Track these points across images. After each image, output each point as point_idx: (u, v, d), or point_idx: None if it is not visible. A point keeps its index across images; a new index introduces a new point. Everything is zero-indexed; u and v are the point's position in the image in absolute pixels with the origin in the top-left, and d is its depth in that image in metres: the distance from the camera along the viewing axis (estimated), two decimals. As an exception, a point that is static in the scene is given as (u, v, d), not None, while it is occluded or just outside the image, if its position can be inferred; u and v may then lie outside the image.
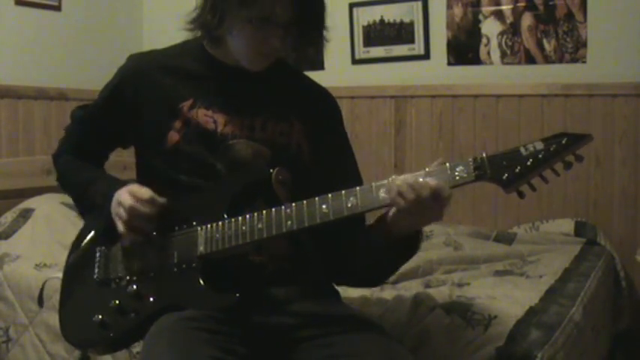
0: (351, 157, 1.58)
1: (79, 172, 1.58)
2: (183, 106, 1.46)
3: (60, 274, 1.60)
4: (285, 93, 1.53)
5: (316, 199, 1.28)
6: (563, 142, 1.19)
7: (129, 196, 1.39)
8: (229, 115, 1.46)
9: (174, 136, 1.45)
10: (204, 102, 1.47)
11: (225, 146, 1.45)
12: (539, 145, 1.20)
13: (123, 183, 1.47)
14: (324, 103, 1.59)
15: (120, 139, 1.61)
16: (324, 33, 1.45)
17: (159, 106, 1.47)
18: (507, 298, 1.81)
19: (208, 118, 1.45)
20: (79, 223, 1.65)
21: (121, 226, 1.40)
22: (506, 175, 1.20)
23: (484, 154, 1.22)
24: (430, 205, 1.23)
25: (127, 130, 1.54)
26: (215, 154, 1.44)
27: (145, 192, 1.38)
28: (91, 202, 1.52)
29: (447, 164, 1.24)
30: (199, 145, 1.44)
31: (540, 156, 1.19)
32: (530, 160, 1.19)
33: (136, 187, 1.40)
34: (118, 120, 1.53)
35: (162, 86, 1.48)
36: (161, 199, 1.39)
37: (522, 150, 1.20)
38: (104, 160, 1.68)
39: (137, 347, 1.89)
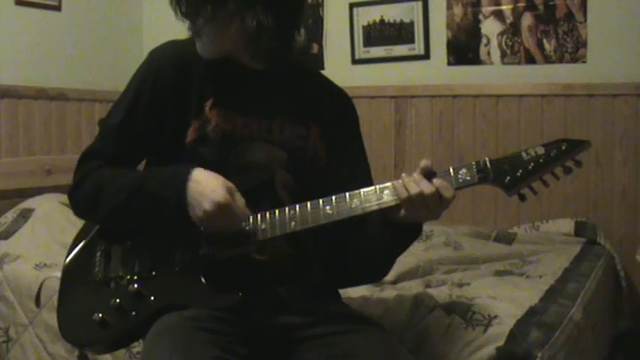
0: (364, 161, 1.58)
1: (120, 176, 1.41)
2: (205, 105, 1.45)
3: (58, 274, 1.60)
4: (303, 95, 1.52)
5: (320, 200, 1.29)
6: (563, 147, 1.23)
7: (233, 213, 1.29)
8: (248, 117, 1.45)
9: (191, 135, 1.44)
10: (224, 102, 1.45)
11: (240, 148, 1.44)
12: (540, 150, 1.24)
13: (185, 164, 1.36)
14: (342, 105, 1.58)
15: (162, 135, 1.45)
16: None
17: (181, 103, 1.45)
18: (507, 298, 1.81)
19: (227, 119, 1.44)
20: (79, 223, 1.64)
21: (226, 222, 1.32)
22: (508, 178, 1.24)
23: (487, 158, 1.25)
24: (433, 203, 1.25)
25: (157, 127, 1.44)
26: (229, 156, 1.44)
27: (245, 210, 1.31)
28: (152, 202, 1.34)
29: (451, 168, 1.27)
30: (215, 146, 1.43)
31: (541, 160, 1.23)
32: (532, 164, 1.23)
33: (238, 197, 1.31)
34: (162, 112, 1.44)
35: (186, 82, 1.46)
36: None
37: (524, 154, 1.24)
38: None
39: (137, 347, 1.90)
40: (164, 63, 1.47)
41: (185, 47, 1.50)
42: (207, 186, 1.30)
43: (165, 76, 1.45)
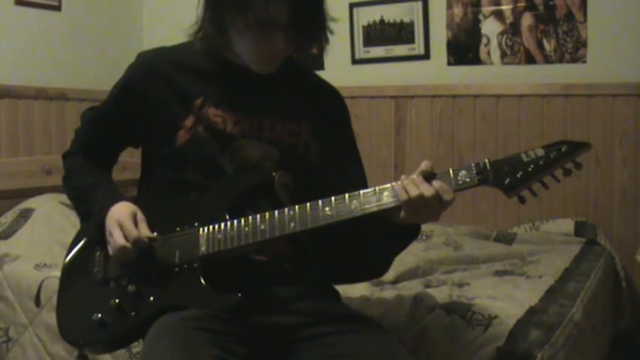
0: (356, 157, 1.58)
1: (82, 174, 1.57)
2: (194, 105, 1.46)
3: (57, 273, 1.60)
4: (294, 92, 1.53)
5: (319, 201, 1.29)
6: (563, 149, 1.22)
7: (121, 233, 1.38)
8: (238, 115, 1.46)
9: (183, 135, 1.45)
10: (214, 101, 1.46)
11: (234, 147, 1.45)
12: (540, 152, 1.23)
13: (120, 196, 1.47)
14: (333, 102, 1.59)
15: (130, 139, 1.59)
16: (326, 30, 1.45)
17: (170, 104, 1.47)
18: (507, 298, 1.81)
19: (218, 117, 1.45)
20: (79, 223, 1.65)
21: (110, 251, 1.42)
22: (508, 180, 1.23)
23: (487, 160, 1.24)
24: (433, 206, 1.25)
25: (137, 128, 1.52)
26: (224, 155, 1.44)
27: (133, 231, 1.38)
28: (87, 208, 1.52)
29: (450, 169, 1.26)
30: (208, 145, 1.44)
31: (541, 162, 1.22)
32: (531, 166, 1.22)
33: (126, 222, 1.39)
34: (127, 118, 1.52)
35: (174, 83, 1.47)
36: (145, 237, 1.39)
37: (523, 156, 1.23)
38: (113, 162, 1.66)
39: (137, 347, 1.90)
40: (139, 70, 1.51)
41: (172, 52, 1.53)
42: (116, 209, 1.42)
43: (135, 83, 1.50)
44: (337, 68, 3.26)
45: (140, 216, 1.42)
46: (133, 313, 1.38)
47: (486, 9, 3.01)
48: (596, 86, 2.79)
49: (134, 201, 1.47)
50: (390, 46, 3.24)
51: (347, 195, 1.28)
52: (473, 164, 1.25)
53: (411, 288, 1.99)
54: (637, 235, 2.73)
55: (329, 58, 3.35)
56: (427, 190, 1.24)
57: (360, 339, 1.34)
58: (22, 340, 2.27)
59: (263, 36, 1.36)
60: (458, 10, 3.07)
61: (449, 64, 3.12)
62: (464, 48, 3.08)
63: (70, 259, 1.56)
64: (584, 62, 2.82)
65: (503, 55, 2.99)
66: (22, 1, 3.18)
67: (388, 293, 1.90)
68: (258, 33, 1.35)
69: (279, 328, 1.38)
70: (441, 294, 1.84)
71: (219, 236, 1.35)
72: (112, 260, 1.43)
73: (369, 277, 1.70)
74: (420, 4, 3.13)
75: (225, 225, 1.35)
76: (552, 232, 2.73)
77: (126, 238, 1.38)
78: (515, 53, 2.96)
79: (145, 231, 1.40)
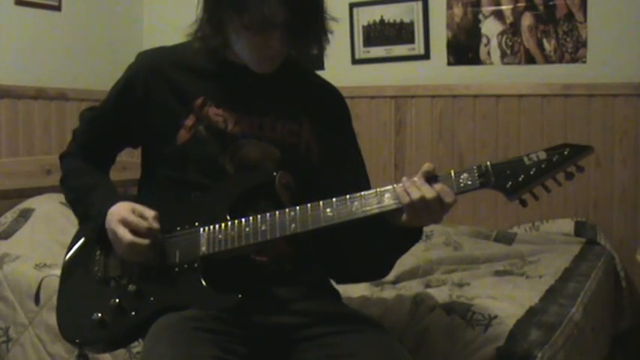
0: (358, 156, 1.58)
1: (80, 175, 1.57)
2: (195, 104, 1.46)
3: (58, 272, 1.60)
4: (294, 92, 1.53)
5: (320, 202, 1.29)
6: (565, 153, 1.22)
7: (125, 230, 1.37)
8: (239, 115, 1.46)
9: (184, 135, 1.45)
10: (215, 100, 1.46)
11: (234, 146, 1.45)
12: (542, 155, 1.23)
13: (118, 197, 1.47)
14: (333, 102, 1.59)
15: (130, 139, 1.58)
16: (325, 29, 1.45)
17: (170, 103, 1.46)
18: (507, 298, 1.82)
19: (218, 117, 1.45)
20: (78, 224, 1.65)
21: (119, 251, 1.41)
22: (510, 183, 1.23)
23: (488, 163, 1.24)
24: (435, 208, 1.25)
25: (137, 128, 1.52)
26: (224, 154, 1.44)
27: (142, 223, 1.37)
28: (85, 210, 1.52)
29: (452, 171, 1.26)
30: (209, 145, 1.44)
31: (543, 166, 1.22)
32: (534, 169, 1.22)
33: (130, 217, 1.38)
34: (127, 118, 1.52)
35: (174, 83, 1.47)
36: (156, 225, 1.38)
37: (526, 159, 1.23)
38: (111, 163, 1.66)
39: (137, 347, 1.90)
40: (139, 70, 1.51)
41: (172, 52, 1.52)
42: (114, 211, 1.41)
43: (135, 83, 1.49)
44: (337, 68, 3.26)
45: (139, 207, 1.41)
46: (133, 313, 1.38)
47: (486, 9, 3.01)
48: (596, 86, 2.79)
49: (134, 201, 1.46)
50: (390, 46, 3.24)
51: (348, 196, 1.28)
52: (474, 167, 1.25)
53: (411, 288, 1.99)
54: (637, 235, 2.73)
55: (329, 58, 3.35)
56: (428, 192, 1.24)
57: (360, 339, 1.34)
58: (22, 340, 2.27)
59: (260, 36, 1.36)
60: (458, 10, 3.07)
61: (449, 64, 3.12)
62: (464, 48, 3.08)
63: (70, 258, 1.55)
64: (584, 62, 2.82)
65: (503, 55, 2.99)
66: (22, 1, 3.17)
67: (388, 293, 1.90)
68: (254, 33, 1.35)
69: (279, 328, 1.38)
70: (441, 294, 1.84)
71: (220, 236, 1.35)
72: (123, 259, 1.42)
73: (371, 279, 1.70)
74: (420, 4, 3.13)
75: (226, 225, 1.35)
76: (552, 232, 2.73)
77: (133, 233, 1.37)
78: (515, 53, 2.96)
79: (150, 215, 1.38)
